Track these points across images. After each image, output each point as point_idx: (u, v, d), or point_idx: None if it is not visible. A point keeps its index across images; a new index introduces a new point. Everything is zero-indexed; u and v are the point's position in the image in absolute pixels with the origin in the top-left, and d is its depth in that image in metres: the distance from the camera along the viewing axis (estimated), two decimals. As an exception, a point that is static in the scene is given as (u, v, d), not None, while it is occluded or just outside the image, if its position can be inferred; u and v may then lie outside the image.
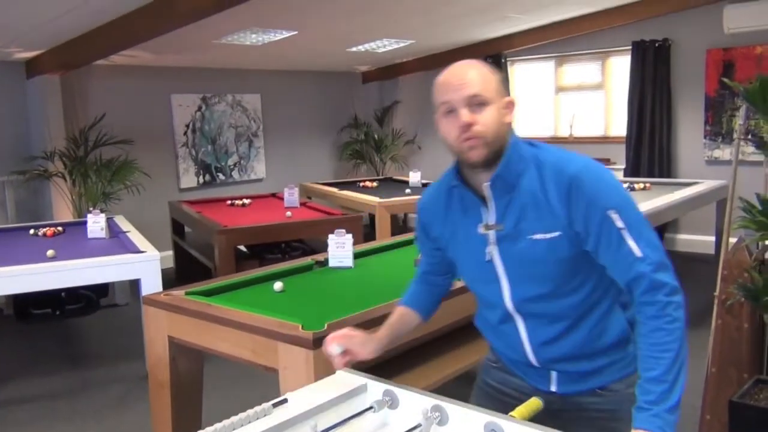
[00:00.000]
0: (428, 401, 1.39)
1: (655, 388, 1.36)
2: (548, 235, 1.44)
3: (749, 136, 3.81)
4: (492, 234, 1.49)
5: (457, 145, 1.45)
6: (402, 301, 1.78)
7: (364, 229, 5.41)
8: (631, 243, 1.39)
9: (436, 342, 2.75)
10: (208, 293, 2.74)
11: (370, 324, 2.32)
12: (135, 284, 3.93)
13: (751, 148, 5.24)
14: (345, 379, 1.54)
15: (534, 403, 1.50)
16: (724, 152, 6.33)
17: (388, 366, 2.42)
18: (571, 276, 1.47)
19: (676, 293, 1.40)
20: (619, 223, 1.39)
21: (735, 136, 5.73)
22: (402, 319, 1.75)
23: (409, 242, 3.74)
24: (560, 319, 1.50)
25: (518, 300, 1.52)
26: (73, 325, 5.12)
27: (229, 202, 6.19)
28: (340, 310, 2.41)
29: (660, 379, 1.36)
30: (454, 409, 1.37)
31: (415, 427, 1.33)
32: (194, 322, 2.50)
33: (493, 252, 1.50)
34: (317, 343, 2.11)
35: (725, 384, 2.40)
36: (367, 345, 1.63)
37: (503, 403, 1.60)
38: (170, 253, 6.38)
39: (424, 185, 6.79)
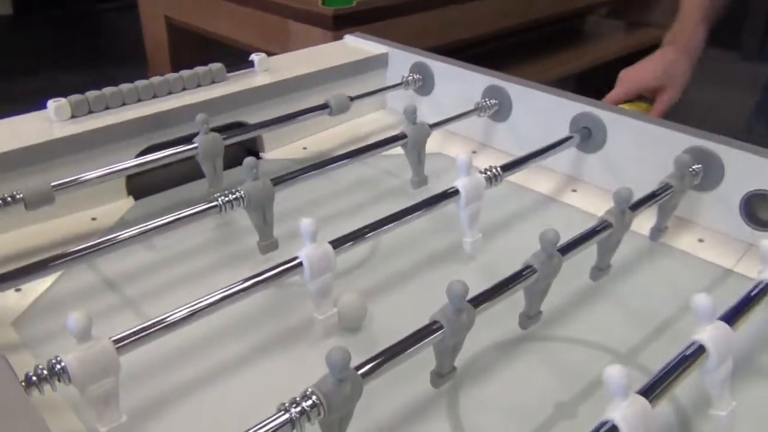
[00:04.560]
0: (484, 80, 0.87)
1: None
2: None
3: None
4: None
5: None
6: None
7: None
8: None
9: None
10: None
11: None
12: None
13: None
14: (354, 45, 1.01)
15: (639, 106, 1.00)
16: None
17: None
18: None
19: None
20: None
21: None
22: None
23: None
24: None
25: None
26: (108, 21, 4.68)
27: None
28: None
29: None
30: (522, 92, 0.85)
31: (468, 112, 0.84)
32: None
33: None
34: (339, 22, 1.58)
35: None
36: (677, 68, 0.95)
37: None
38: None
39: None
